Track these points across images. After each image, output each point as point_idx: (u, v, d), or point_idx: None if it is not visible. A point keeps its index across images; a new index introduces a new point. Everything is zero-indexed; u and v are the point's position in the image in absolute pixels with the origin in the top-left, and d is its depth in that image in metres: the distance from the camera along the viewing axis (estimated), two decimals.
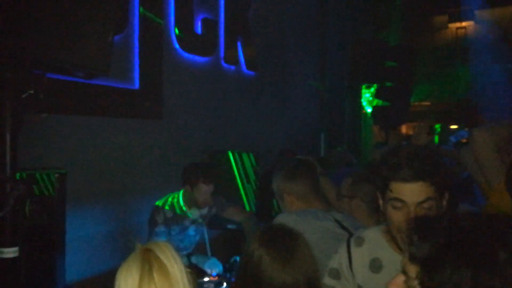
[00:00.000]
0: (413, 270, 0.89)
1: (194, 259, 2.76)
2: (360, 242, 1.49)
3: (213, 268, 2.73)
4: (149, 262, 0.97)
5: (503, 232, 0.83)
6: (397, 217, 1.33)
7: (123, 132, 3.28)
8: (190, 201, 2.86)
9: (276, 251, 1.31)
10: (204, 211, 2.96)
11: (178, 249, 2.73)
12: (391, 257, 1.37)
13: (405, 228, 1.18)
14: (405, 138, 9.93)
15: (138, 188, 3.26)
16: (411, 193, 1.31)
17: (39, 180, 2.15)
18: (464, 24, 12.08)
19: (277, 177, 2.07)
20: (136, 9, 3.35)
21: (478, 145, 2.02)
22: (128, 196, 3.27)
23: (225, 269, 2.79)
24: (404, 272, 0.92)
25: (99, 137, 3.09)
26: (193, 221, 2.94)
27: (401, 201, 1.31)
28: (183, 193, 2.89)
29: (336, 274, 1.50)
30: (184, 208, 2.88)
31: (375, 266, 1.43)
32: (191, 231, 2.96)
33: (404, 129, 9.87)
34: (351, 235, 1.82)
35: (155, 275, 0.96)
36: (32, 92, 1.52)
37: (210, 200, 2.83)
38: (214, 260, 2.77)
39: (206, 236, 2.90)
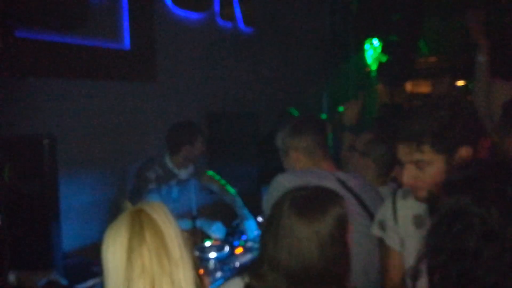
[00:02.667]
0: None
1: (199, 223, 2.72)
2: (406, 194, 1.47)
3: (217, 233, 2.71)
4: (140, 222, 0.89)
5: None
6: (401, 176, 1.36)
7: (115, 95, 3.13)
8: (181, 162, 2.87)
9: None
10: (191, 169, 2.97)
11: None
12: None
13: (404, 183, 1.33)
14: (410, 97, 9.73)
15: (133, 153, 3.17)
16: (403, 153, 1.32)
17: (28, 147, 2.06)
18: None
19: (283, 132, 1.94)
20: None
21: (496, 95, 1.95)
22: (123, 162, 3.17)
23: (227, 234, 2.77)
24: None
25: (91, 101, 2.95)
26: (179, 181, 2.92)
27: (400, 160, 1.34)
28: (169, 155, 2.88)
29: (382, 226, 1.52)
30: (173, 170, 2.87)
31: (418, 222, 1.41)
32: (174, 193, 2.94)
33: (409, 86, 9.61)
34: (355, 196, 1.73)
35: (146, 235, 0.87)
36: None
37: (205, 149, 2.93)
38: (219, 224, 2.76)
39: (193, 196, 2.89)
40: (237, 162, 3.68)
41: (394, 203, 1.49)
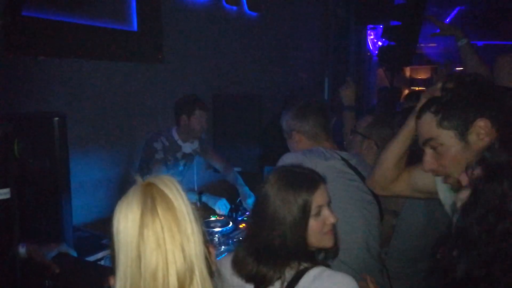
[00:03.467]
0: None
1: (204, 198, 2.82)
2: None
3: (222, 208, 2.80)
4: (152, 196, 0.87)
5: None
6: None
7: (123, 76, 3.20)
8: (184, 135, 2.95)
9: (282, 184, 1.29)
10: (195, 145, 3.06)
11: None
12: None
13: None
14: (409, 81, 9.74)
15: (141, 132, 3.24)
16: (419, 135, 1.24)
17: (39, 124, 2.11)
18: None
19: (288, 114, 2.02)
20: None
21: (505, 71, 1.95)
22: (131, 140, 3.25)
23: (231, 209, 2.87)
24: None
25: (100, 81, 3.02)
26: (184, 155, 3.01)
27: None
28: (175, 129, 2.97)
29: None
30: (178, 142, 2.96)
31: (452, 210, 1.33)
32: (181, 166, 3.04)
33: (408, 72, 9.62)
34: (358, 174, 1.80)
35: (158, 209, 0.86)
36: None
37: (206, 125, 2.96)
38: (223, 200, 2.86)
39: (195, 172, 2.96)
40: (241, 143, 3.77)
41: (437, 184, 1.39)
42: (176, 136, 2.97)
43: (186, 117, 2.89)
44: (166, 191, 0.89)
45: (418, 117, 1.24)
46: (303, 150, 1.85)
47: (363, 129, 2.19)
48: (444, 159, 1.17)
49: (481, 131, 1.12)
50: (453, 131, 1.15)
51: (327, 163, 1.74)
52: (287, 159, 1.80)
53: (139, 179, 0.91)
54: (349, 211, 1.71)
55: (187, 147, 3.01)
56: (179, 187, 0.91)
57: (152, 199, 0.87)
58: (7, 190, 1.40)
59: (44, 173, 2.06)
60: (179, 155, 3.00)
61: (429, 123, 1.19)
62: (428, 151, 1.20)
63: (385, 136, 2.09)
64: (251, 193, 2.92)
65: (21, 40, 2.52)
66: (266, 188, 1.30)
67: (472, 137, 1.13)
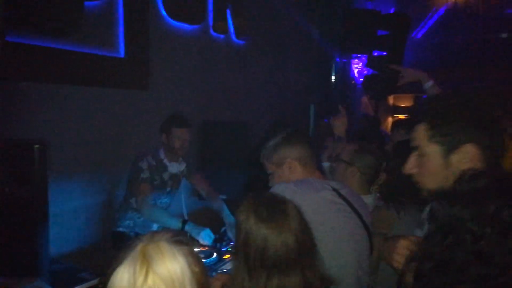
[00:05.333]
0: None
1: (187, 227, 2.74)
2: None
3: (206, 239, 2.74)
4: (148, 263, 0.91)
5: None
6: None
7: (109, 102, 3.17)
8: (170, 154, 2.95)
9: (263, 215, 1.29)
10: (182, 166, 3.05)
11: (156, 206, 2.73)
12: None
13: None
14: (392, 109, 9.90)
15: (124, 159, 3.18)
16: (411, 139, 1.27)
17: (19, 152, 2.06)
18: None
19: (275, 145, 1.95)
20: None
21: None
22: (114, 168, 3.21)
23: (216, 239, 2.79)
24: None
25: (83, 108, 2.99)
26: (171, 175, 2.99)
27: None
28: (162, 148, 2.98)
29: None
30: (164, 161, 2.96)
31: (420, 224, 1.40)
32: (168, 187, 3.03)
33: (391, 100, 9.79)
34: (348, 203, 1.78)
35: (152, 278, 0.90)
36: None
37: (187, 146, 2.94)
38: (207, 231, 2.78)
39: (183, 196, 2.92)
40: (227, 169, 3.73)
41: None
42: (162, 155, 2.97)
43: (165, 135, 2.90)
44: (163, 259, 0.92)
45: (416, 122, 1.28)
46: (295, 181, 1.79)
47: (347, 156, 2.20)
48: (423, 168, 1.22)
49: (466, 155, 1.15)
50: (439, 147, 1.18)
51: (319, 194, 1.72)
52: (278, 191, 1.77)
53: (137, 242, 0.96)
54: (341, 244, 1.69)
55: (174, 167, 3.00)
56: (177, 252, 0.94)
57: (147, 266, 0.91)
58: None
59: (21, 202, 2.00)
60: (165, 175, 2.97)
61: (421, 132, 1.23)
62: (414, 155, 1.26)
63: (369, 164, 2.13)
64: None
65: (5, 66, 2.49)
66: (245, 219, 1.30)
67: (455, 158, 1.16)
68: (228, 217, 2.92)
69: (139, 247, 0.95)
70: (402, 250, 1.15)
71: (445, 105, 1.21)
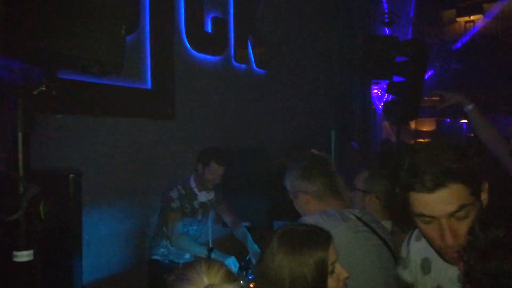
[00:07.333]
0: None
1: (213, 255, 2.78)
2: (420, 236, 1.32)
3: (231, 267, 2.74)
4: None
5: None
6: (429, 233, 1.11)
7: (137, 132, 3.29)
8: (200, 183, 3.00)
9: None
10: (211, 195, 3.10)
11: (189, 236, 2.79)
12: (439, 262, 1.24)
13: (440, 245, 1.09)
14: (414, 133, 9.85)
15: (153, 187, 3.27)
16: (438, 204, 1.05)
17: (54, 181, 2.14)
18: (472, 18, 11.95)
19: (292, 175, 1.96)
20: (147, 9, 3.35)
21: None
22: (143, 196, 3.29)
23: (241, 267, 2.81)
24: None
25: (113, 137, 3.10)
26: (201, 204, 3.05)
27: (428, 216, 1.09)
28: (194, 176, 3.03)
29: (404, 264, 1.47)
30: (194, 190, 3.00)
31: (425, 266, 1.34)
32: (199, 215, 3.06)
33: (413, 124, 9.77)
34: (372, 230, 1.79)
35: None
36: (44, 89, 1.46)
37: (219, 181, 3.01)
38: (233, 259, 2.81)
39: (210, 223, 2.95)
40: (249, 197, 3.76)
41: (408, 243, 1.43)
42: (193, 184, 3.03)
43: (202, 165, 2.96)
44: None
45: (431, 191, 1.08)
46: (319, 212, 1.80)
47: (361, 185, 2.18)
48: (463, 228, 1.05)
49: (486, 190, 1.14)
50: (474, 196, 1.10)
51: (345, 224, 1.73)
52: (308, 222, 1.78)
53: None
54: (371, 274, 1.69)
55: (203, 196, 3.05)
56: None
57: None
58: (30, 252, 1.40)
59: (57, 232, 2.06)
60: (196, 203, 3.03)
61: (460, 191, 1.07)
62: (451, 223, 1.07)
63: (384, 187, 2.07)
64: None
65: (46, 100, 2.61)
66: (273, 252, 1.32)
67: (483, 196, 1.14)
68: (252, 245, 2.94)
69: None
70: None
71: (464, 157, 1.13)
